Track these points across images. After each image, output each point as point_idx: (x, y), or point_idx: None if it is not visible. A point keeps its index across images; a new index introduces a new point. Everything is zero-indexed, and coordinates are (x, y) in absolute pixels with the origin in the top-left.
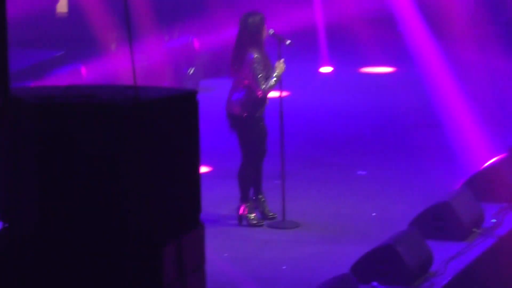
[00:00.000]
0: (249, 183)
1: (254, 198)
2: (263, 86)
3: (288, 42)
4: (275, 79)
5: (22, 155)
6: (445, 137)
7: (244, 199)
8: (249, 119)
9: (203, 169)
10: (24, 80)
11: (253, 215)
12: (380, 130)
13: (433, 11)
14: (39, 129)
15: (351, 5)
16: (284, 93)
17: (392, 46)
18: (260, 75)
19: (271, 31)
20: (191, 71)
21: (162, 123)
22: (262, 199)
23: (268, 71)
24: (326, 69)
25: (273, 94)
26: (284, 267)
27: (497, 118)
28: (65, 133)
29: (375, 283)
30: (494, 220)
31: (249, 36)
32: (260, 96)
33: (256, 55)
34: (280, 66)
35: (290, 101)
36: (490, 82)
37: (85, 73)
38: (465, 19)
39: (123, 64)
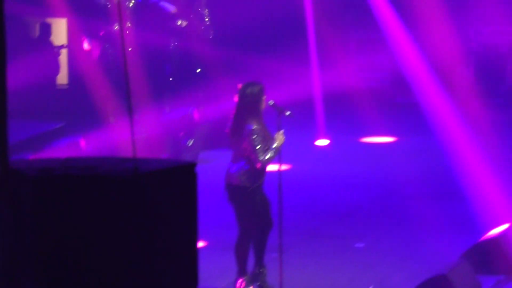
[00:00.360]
0: (246, 257)
1: (254, 271)
2: (262, 158)
3: (288, 113)
4: (274, 150)
5: (22, 228)
6: (442, 208)
7: (241, 272)
8: (249, 190)
9: (200, 243)
10: (23, 152)
11: None
12: (378, 202)
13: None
14: (38, 201)
15: (350, 75)
16: (284, 166)
17: (392, 116)
18: (259, 146)
19: (271, 102)
20: (191, 143)
21: (161, 195)
22: (264, 272)
23: (267, 142)
24: (322, 142)
25: (272, 166)
26: None
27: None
28: (65, 205)
29: None
30: None
31: (247, 107)
32: (259, 167)
33: (255, 126)
34: (279, 138)
35: (289, 173)
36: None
37: (84, 145)
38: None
39: (122, 136)
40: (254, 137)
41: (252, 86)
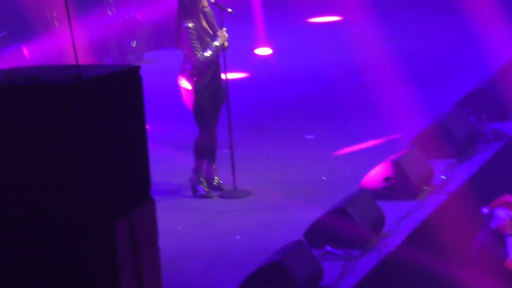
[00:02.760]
0: (204, 154)
1: (206, 168)
2: (199, 55)
3: (230, 10)
4: (215, 48)
5: None
6: (393, 95)
7: (197, 169)
8: (192, 91)
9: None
10: None
11: (204, 186)
12: (325, 92)
13: None
14: None
15: None
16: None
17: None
18: (194, 44)
19: (212, 0)
20: (134, 44)
21: (107, 99)
22: (213, 169)
23: (208, 42)
24: (263, 51)
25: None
26: (237, 237)
27: (442, 73)
28: (10, 116)
29: (328, 247)
30: (443, 177)
31: (183, 6)
32: (197, 65)
33: (190, 24)
34: (222, 35)
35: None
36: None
37: (27, 53)
38: None
39: (65, 41)
40: (188, 35)
41: None
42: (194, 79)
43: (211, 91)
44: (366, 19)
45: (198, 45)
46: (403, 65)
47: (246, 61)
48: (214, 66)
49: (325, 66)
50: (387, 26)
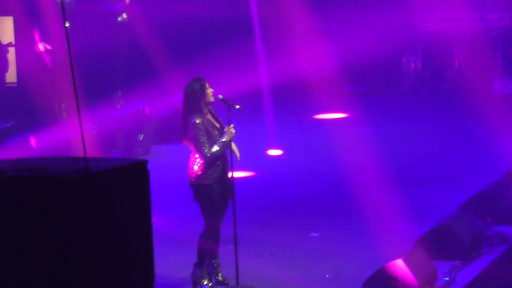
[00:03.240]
0: (207, 249)
1: (208, 263)
2: (207, 151)
3: (237, 107)
4: (222, 144)
5: None
6: (399, 196)
7: (200, 264)
8: (201, 187)
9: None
10: None
11: (207, 281)
12: (332, 191)
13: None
14: None
15: (298, 66)
16: (238, 158)
17: (344, 103)
18: (203, 139)
19: (220, 96)
20: (141, 137)
21: (113, 193)
22: (216, 264)
23: (215, 136)
24: (275, 152)
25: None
26: None
27: (450, 175)
28: (17, 206)
29: None
30: (447, 279)
31: (189, 103)
32: (204, 161)
33: (197, 121)
34: (229, 132)
35: (242, 165)
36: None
37: (34, 144)
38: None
39: (73, 133)
40: (195, 131)
41: (193, 83)
42: (203, 175)
43: (221, 186)
44: (373, 118)
45: (206, 141)
46: (410, 166)
47: (254, 159)
48: (221, 162)
49: (332, 164)
50: (395, 127)
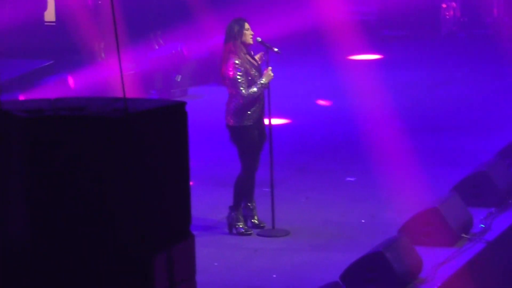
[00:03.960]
0: (244, 192)
1: (244, 206)
2: (244, 91)
3: (276, 49)
4: (260, 85)
5: (11, 169)
6: (435, 142)
7: (235, 207)
8: (238, 128)
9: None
10: (12, 90)
11: (242, 223)
12: (368, 135)
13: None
14: (28, 142)
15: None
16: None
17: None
18: (241, 80)
19: (259, 39)
20: (179, 78)
21: (151, 134)
22: (252, 207)
23: (254, 77)
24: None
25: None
26: (274, 276)
27: (486, 122)
28: (54, 145)
29: None
30: (482, 226)
31: (229, 43)
32: (241, 101)
33: (236, 61)
34: (267, 74)
35: (279, 111)
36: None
37: (72, 83)
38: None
39: (110, 73)
40: (234, 71)
41: (233, 23)
42: (241, 116)
43: (258, 128)
44: (410, 62)
45: (244, 81)
46: (447, 112)
47: (290, 104)
48: (259, 104)
49: (367, 108)
50: (431, 72)
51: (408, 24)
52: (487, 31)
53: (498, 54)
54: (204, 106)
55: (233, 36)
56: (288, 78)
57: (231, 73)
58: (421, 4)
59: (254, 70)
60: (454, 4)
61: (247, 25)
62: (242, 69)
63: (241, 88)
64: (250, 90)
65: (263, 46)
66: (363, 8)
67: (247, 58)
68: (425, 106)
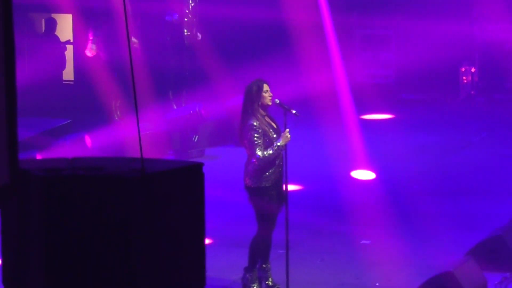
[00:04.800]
0: (259, 254)
1: (259, 267)
2: (261, 153)
3: (294, 111)
4: (276, 147)
5: (30, 227)
6: (452, 206)
7: (250, 268)
8: (255, 190)
9: (208, 240)
10: (30, 149)
11: (256, 285)
12: (384, 198)
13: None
14: (46, 201)
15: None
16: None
17: (397, 110)
18: (258, 142)
19: (277, 101)
20: (196, 139)
21: (168, 194)
22: (267, 268)
23: (273, 137)
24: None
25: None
26: None
27: (502, 187)
28: (72, 205)
29: None
30: None
31: (247, 104)
32: (258, 163)
33: (254, 123)
34: (285, 136)
35: (295, 172)
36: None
37: (89, 142)
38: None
39: (128, 133)
40: (251, 132)
41: (252, 84)
42: (259, 178)
43: (276, 190)
44: (428, 125)
45: (261, 143)
46: (463, 176)
47: (307, 166)
48: (277, 165)
49: (385, 171)
50: (449, 136)
51: (426, 87)
52: (506, 96)
53: None
54: (221, 166)
55: (251, 98)
56: (305, 140)
57: (248, 134)
58: (440, 68)
59: (272, 132)
60: (472, 68)
61: (266, 87)
62: (260, 131)
63: (258, 150)
64: (266, 153)
65: (282, 108)
66: (381, 71)
67: (265, 120)
68: (441, 170)
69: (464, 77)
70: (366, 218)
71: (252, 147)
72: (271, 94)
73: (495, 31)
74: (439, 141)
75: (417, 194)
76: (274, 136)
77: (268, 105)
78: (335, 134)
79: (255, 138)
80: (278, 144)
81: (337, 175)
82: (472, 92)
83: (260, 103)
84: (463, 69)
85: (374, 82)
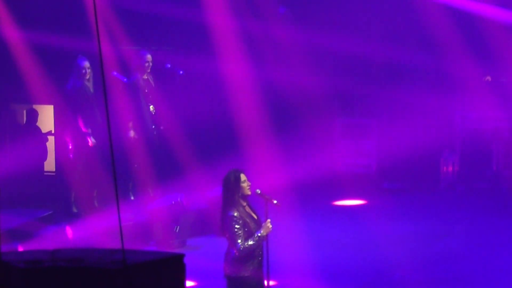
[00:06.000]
0: None
1: None
2: (241, 244)
3: (275, 201)
4: (257, 238)
5: None
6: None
7: None
8: (236, 278)
9: None
10: (11, 240)
11: None
12: (373, 284)
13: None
14: None
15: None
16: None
17: (379, 200)
18: (238, 233)
19: (258, 191)
20: (177, 229)
21: (149, 286)
22: None
23: (253, 228)
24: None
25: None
26: None
27: (484, 275)
28: None
29: None
30: None
31: (226, 195)
32: (237, 254)
33: (234, 213)
34: (266, 226)
35: (276, 260)
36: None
37: (70, 234)
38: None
39: (109, 223)
40: (231, 223)
41: (229, 174)
42: (239, 267)
43: (255, 279)
44: (409, 215)
45: (241, 234)
46: (445, 265)
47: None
48: (258, 255)
49: (366, 261)
50: (430, 225)
51: (407, 177)
52: (487, 185)
53: (498, 207)
54: (202, 257)
55: (230, 188)
56: (288, 229)
57: (229, 226)
58: (420, 158)
59: (252, 223)
60: (453, 157)
61: (243, 177)
62: (241, 222)
63: (239, 241)
64: (246, 243)
65: (262, 198)
66: (362, 161)
67: (245, 211)
68: (423, 258)
69: (445, 167)
70: None
71: (233, 237)
72: (249, 183)
73: (475, 120)
74: (420, 230)
75: (398, 283)
76: (254, 226)
77: (247, 194)
78: (318, 223)
79: (235, 229)
80: (259, 234)
81: (314, 264)
82: (453, 181)
83: (240, 194)
84: (443, 158)
85: (356, 172)
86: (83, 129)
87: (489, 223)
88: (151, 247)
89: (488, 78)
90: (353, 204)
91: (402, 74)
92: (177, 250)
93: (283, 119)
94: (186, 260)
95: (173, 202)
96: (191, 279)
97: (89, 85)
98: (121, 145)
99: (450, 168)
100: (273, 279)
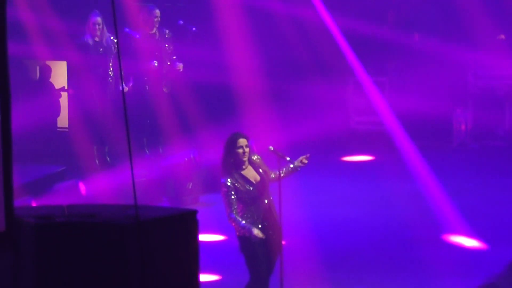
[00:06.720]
0: None
1: None
2: (228, 212)
3: (288, 158)
4: (243, 226)
5: (24, 275)
6: (445, 252)
7: None
8: (244, 239)
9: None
10: (24, 196)
11: None
12: (378, 245)
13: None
14: (40, 248)
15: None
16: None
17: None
18: (226, 200)
19: (271, 148)
20: (190, 186)
21: (162, 242)
22: None
23: (250, 190)
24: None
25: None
26: None
27: (495, 233)
28: (65, 252)
29: None
30: None
31: (222, 158)
32: (230, 222)
33: (225, 180)
34: (257, 232)
35: (289, 216)
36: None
37: (83, 190)
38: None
39: (122, 179)
40: (223, 190)
41: (228, 138)
42: (238, 229)
43: (262, 239)
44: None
45: (232, 202)
46: (456, 221)
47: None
48: (258, 222)
49: (378, 218)
50: (442, 182)
51: (419, 134)
52: (499, 142)
53: (510, 165)
54: (215, 213)
55: (225, 153)
56: (301, 187)
57: (221, 192)
58: (433, 115)
59: (252, 188)
60: (466, 115)
61: (241, 142)
62: (232, 187)
63: (228, 209)
64: (236, 216)
65: (275, 155)
66: (373, 118)
67: (242, 177)
68: (434, 216)
69: (458, 124)
70: (359, 265)
71: (225, 205)
72: (247, 150)
73: (488, 78)
74: (432, 187)
75: (410, 241)
76: (251, 189)
77: (242, 161)
78: (330, 181)
79: (224, 197)
80: (245, 226)
81: (330, 222)
82: (466, 138)
83: (233, 160)
84: (456, 116)
85: (368, 129)
86: (94, 85)
87: (501, 181)
88: (164, 203)
89: (502, 36)
90: (364, 159)
91: (415, 23)
92: (190, 207)
93: (297, 77)
94: (199, 216)
95: (186, 159)
96: (204, 235)
97: (103, 39)
98: (141, 100)
99: (463, 126)
100: (284, 239)
